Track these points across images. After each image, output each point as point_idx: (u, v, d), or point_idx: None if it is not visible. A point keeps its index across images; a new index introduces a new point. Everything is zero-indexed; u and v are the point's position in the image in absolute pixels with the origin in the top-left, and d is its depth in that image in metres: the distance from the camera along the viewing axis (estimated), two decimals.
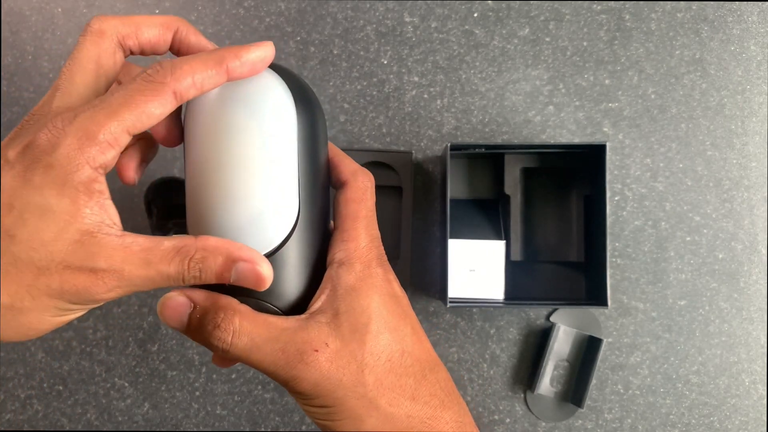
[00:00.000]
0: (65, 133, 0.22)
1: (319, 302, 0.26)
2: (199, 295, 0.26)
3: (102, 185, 0.23)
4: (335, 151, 0.31)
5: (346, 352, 0.25)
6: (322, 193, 0.28)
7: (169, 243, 0.24)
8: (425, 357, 0.27)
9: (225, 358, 0.27)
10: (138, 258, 0.23)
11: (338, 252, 0.27)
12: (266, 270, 0.24)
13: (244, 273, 0.24)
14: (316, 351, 0.25)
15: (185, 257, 0.23)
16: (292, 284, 0.26)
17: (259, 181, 0.25)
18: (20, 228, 0.21)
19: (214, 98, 0.26)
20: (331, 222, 0.30)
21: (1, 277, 0.21)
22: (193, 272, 0.23)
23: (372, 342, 0.25)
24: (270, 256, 0.26)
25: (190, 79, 0.25)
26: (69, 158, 0.22)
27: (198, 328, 0.25)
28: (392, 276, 0.28)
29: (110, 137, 0.23)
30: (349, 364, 0.25)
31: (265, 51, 0.27)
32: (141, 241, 0.23)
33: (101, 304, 0.24)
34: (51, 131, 0.23)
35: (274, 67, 0.28)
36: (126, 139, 0.23)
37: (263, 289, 0.25)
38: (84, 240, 0.22)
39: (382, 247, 0.29)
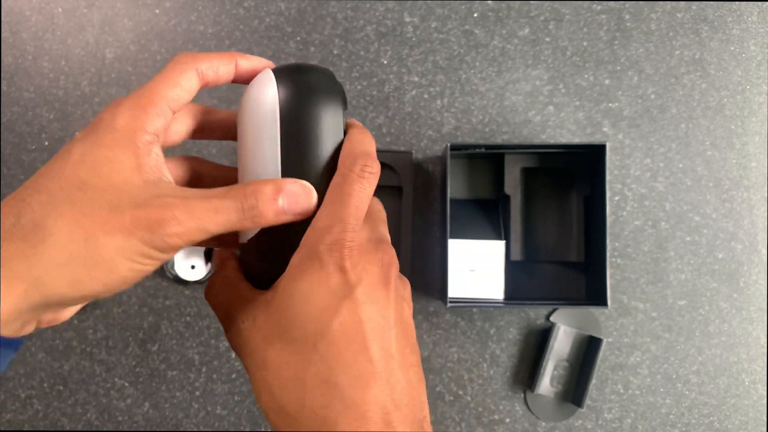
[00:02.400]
0: (122, 108, 0.27)
1: (279, 280, 0.28)
2: (223, 252, 0.31)
3: (158, 148, 0.27)
4: (352, 136, 0.30)
5: (263, 330, 0.27)
6: (314, 173, 0.29)
7: (221, 188, 0.27)
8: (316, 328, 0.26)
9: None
10: (198, 194, 0.26)
11: (305, 235, 0.28)
12: (308, 185, 0.28)
13: (292, 191, 0.27)
14: (242, 321, 0.28)
15: (240, 191, 0.26)
16: (271, 262, 0.29)
17: (250, 161, 0.30)
18: (92, 177, 0.24)
19: (242, 99, 0.32)
20: None
21: (77, 217, 0.23)
22: (250, 202, 0.26)
23: (285, 325, 0.26)
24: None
25: (208, 63, 0.29)
26: (127, 125, 0.26)
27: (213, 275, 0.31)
28: (347, 263, 0.26)
29: (156, 108, 0.27)
30: (260, 341, 0.27)
31: (266, 62, 0.32)
32: (196, 189, 0.26)
33: (171, 255, 0.25)
34: (111, 108, 0.27)
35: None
36: (168, 109, 0.28)
37: (314, 204, 0.28)
38: (149, 186, 0.25)
39: (352, 234, 0.26)
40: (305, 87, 0.30)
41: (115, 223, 0.23)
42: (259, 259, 0.30)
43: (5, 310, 0.22)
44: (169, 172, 0.27)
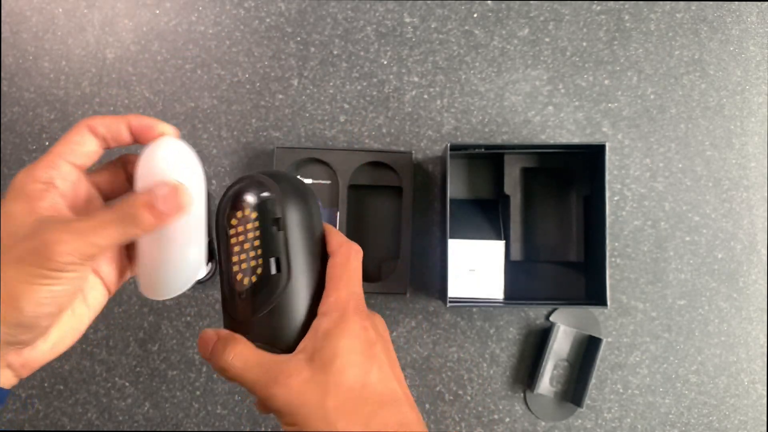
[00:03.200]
0: (22, 170, 0.32)
1: (302, 344, 0.34)
2: (223, 332, 0.35)
3: (53, 193, 0.31)
4: (328, 228, 0.39)
5: (313, 380, 0.32)
6: (313, 260, 0.36)
7: (108, 207, 0.32)
8: (387, 393, 0.33)
9: (227, 378, 0.34)
10: (85, 217, 0.30)
11: (322, 305, 0.35)
12: (176, 184, 0.33)
13: (164, 194, 0.31)
14: (290, 377, 0.32)
15: (119, 206, 0.31)
16: (287, 332, 0.34)
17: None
18: None
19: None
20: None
21: None
22: (128, 212, 0.31)
23: (336, 374, 0.32)
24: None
25: (100, 121, 0.33)
26: (21, 180, 0.31)
27: (215, 352, 0.34)
28: (368, 323, 0.34)
29: (47, 162, 0.32)
30: (314, 389, 0.31)
31: (166, 127, 0.35)
32: (88, 215, 0.31)
33: (79, 271, 0.30)
34: (17, 174, 0.32)
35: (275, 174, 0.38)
36: (62, 161, 0.32)
37: (187, 199, 0.33)
38: (40, 223, 0.30)
39: (362, 301, 0.35)
40: (299, 185, 0.37)
41: (8, 258, 0.29)
42: (268, 329, 0.34)
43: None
44: (94, 188, 0.34)
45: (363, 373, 0.32)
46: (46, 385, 0.72)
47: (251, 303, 0.35)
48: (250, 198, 0.36)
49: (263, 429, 0.71)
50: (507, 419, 0.72)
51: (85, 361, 0.72)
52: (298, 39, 0.74)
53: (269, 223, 0.35)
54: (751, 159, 0.73)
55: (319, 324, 0.34)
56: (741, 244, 0.73)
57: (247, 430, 0.72)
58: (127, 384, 0.72)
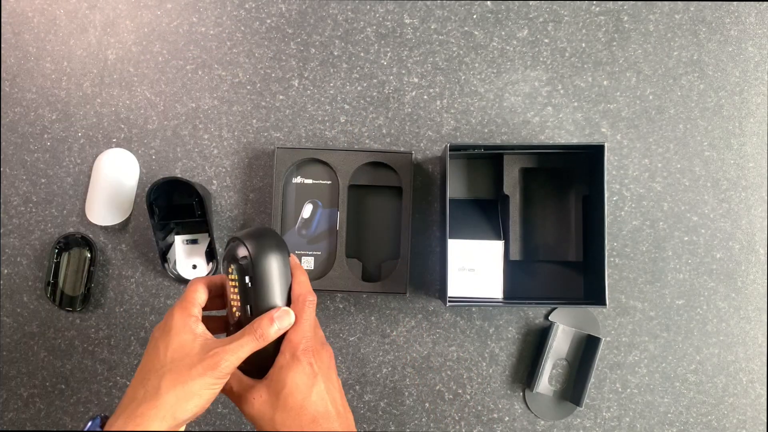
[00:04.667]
0: (175, 313, 0.47)
1: (268, 374, 0.47)
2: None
3: (199, 323, 0.47)
4: (296, 276, 0.50)
5: (268, 401, 0.45)
6: (279, 305, 0.48)
7: (240, 331, 0.47)
8: (321, 411, 0.45)
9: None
10: (229, 340, 0.45)
11: (283, 345, 0.47)
12: (287, 309, 0.48)
13: (280, 316, 0.47)
14: (254, 398, 0.46)
15: (250, 329, 0.46)
16: (256, 360, 0.47)
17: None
18: (175, 354, 0.45)
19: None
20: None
21: (174, 378, 0.43)
22: (258, 333, 0.46)
23: (283, 398, 0.45)
24: None
25: (209, 280, 0.51)
26: (180, 319, 0.46)
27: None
28: (314, 359, 0.47)
29: (194, 306, 0.48)
30: (268, 407, 0.45)
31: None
32: (228, 338, 0.46)
33: (228, 377, 0.45)
34: (169, 316, 0.47)
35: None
36: (198, 304, 0.48)
37: (293, 318, 0.48)
38: (203, 347, 0.45)
39: (311, 342, 0.47)
40: (268, 249, 0.48)
41: (194, 374, 0.43)
42: (251, 363, 0.47)
43: None
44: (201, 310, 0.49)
45: (303, 397, 0.45)
46: (47, 384, 0.72)
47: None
48: (232, 259, 0.48)
49: None
50: (506, 418, 0.72)
51: (87, 360, 0.73)
52: (299, 40, 0.74)
53: (244, 278, 0.47)
54: (749, 159, 0.74)
55: (278, 360, 0.47)
56: (739, 244, 0.73)
57: (248, 429, 0.72)
58: (128, 383, 0.72)
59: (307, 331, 0.48)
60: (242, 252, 0.47)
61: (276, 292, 0.48)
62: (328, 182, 0.72)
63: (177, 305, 0.47)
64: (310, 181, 0.72)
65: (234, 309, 0.49)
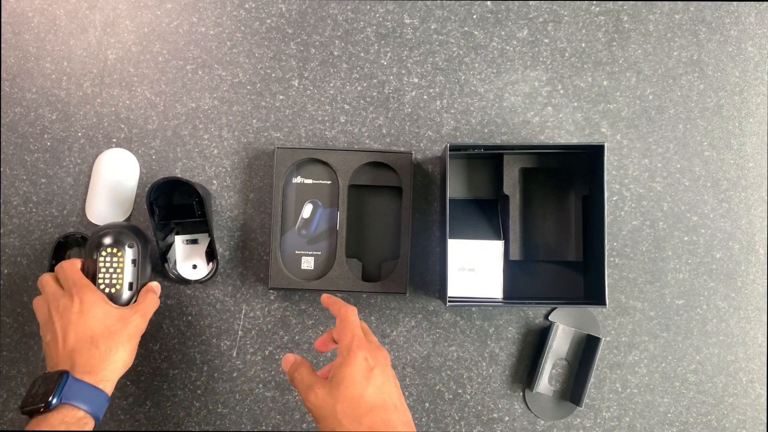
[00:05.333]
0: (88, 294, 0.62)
1: (331, 372, 0.51)
2: (298, 358, 0.54)
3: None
4: (333, 300, 0.56)
5: (329, 394, 0.49)
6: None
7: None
8: (378, 402, 0.48)
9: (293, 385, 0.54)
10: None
11: (338, 348, 0.52)
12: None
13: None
14: (317, 390, 0.49)
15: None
16: None
17: None
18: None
19: None
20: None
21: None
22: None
23: (343, 390, 0.48)
24: None
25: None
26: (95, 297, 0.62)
27: (290, 370, 0.53)
28: (369, 354, 0.50)
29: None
30: (329, 399, 0.48)
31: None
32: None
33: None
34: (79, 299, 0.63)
35: None
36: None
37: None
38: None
39: (363, 340, 0.51)
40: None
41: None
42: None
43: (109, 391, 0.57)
44: None
45: (361, 388, 0.48)
46: None
47: None
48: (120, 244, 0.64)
49: (263, 428, 0.72)
50: (506, 418, 0.72)
51: None
52: (299, 40, 0.74)
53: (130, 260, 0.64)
54: (749, 159, 0.74)
55: (337, 359, 0.51)
56: (739, 243, 0.73)
57: (248, 429, 0.72)
58: (128, 383, 0.72)
59: (355, 330, 0.52)
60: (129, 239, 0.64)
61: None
62: (328, 182, 0.72)
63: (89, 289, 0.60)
64: (310, 181, 0.72)
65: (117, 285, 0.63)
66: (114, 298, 0.62)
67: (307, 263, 0.71)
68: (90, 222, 0.72)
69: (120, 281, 0.63)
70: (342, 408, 0.47)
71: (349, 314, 0.53)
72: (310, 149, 0.71)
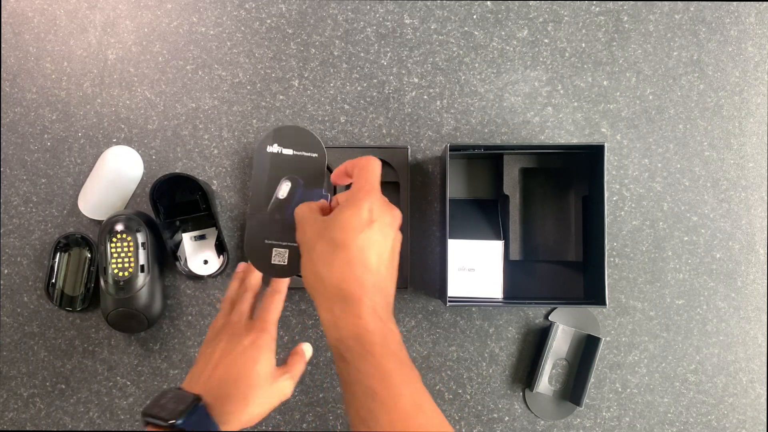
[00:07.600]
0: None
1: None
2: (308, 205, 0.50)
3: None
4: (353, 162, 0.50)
5: (317, 232, 0.45)
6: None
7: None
8: (361, 258, 0.44)
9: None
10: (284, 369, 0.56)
11: (350, 190, 0.47)
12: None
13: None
14: (309, 225, 0.46)
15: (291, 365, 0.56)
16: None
17: None
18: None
19: None
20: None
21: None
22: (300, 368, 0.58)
23: (330, 231, 0.44)
24: None
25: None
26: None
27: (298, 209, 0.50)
28: (376, 207, 0.45)
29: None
30: (315, 237, 0.45)
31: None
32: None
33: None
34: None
35: None
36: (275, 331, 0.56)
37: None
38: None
39: (376, 193, 0.46)
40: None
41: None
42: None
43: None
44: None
45: (349, 237, 0.44)
46: (47, 384, 0.73)
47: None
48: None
49: (263, 428, 0.72)
50: (506, 418, 0.72)
51: (87, 360, 0.73)
52: (299, 40, 0.75)
53: None
54: (749, 159, 0.74)
55: (343, 202, 0.46)
56: (739, 243, 0.73)
57: (248, 428, 0.72)
58: (128, 383, 0.72)
59: (373, 180, 0.47)
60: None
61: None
62: (314, 155, 0.56)
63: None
64: (290, 152, 0.56)
65: None
66: (129, 282, 0.67)
67: (279, 257, 0.55)
68: (90, 221, 0.72)
69: (132, 265, 0.67)
70: (322, 249, 0.44)
71: (371, 163, 0.47)
72: None
